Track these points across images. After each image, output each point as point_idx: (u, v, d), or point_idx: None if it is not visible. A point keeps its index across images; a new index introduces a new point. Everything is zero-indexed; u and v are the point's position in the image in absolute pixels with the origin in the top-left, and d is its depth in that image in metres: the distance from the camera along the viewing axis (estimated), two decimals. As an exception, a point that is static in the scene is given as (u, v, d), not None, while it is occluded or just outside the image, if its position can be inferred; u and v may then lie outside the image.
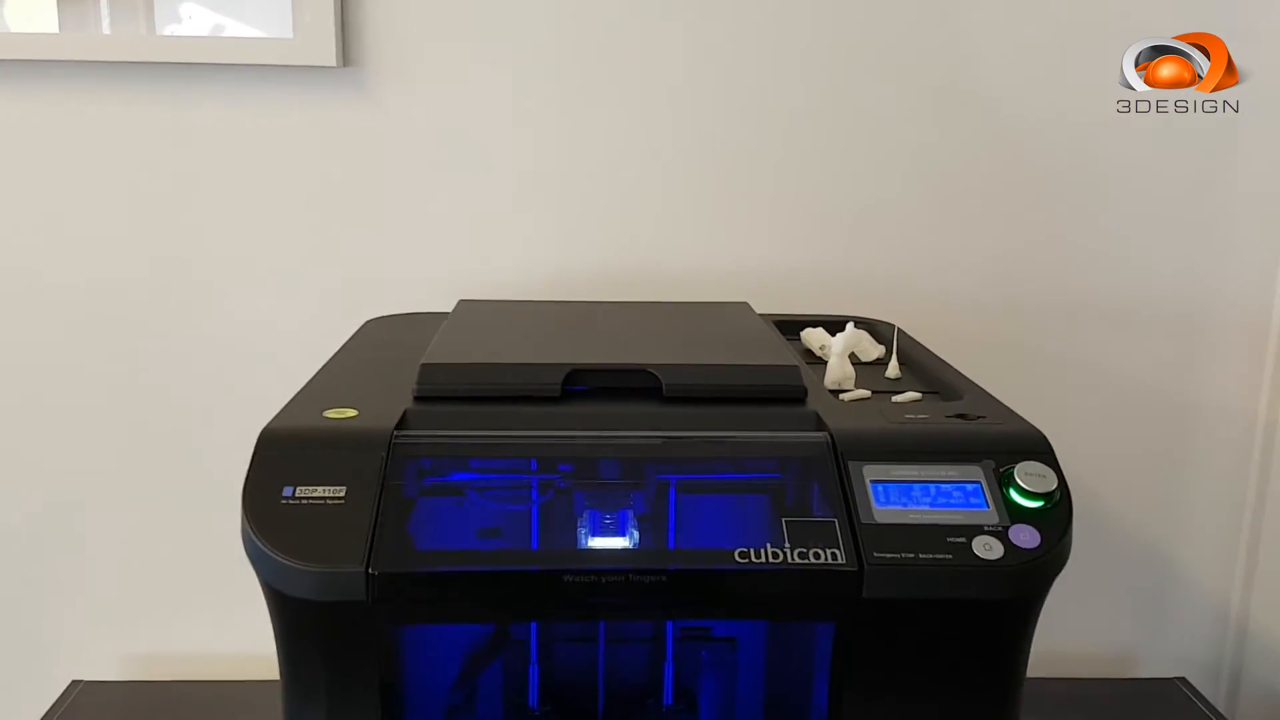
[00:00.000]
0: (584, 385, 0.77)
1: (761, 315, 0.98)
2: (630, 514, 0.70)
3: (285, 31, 1.09)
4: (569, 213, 1.17)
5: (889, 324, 1.02)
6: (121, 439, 1.19)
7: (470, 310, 0.97)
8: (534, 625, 0.79)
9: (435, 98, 1.13)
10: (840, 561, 0.65)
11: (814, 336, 0.96)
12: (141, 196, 1.14)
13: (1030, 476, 0.68)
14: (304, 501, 0.66)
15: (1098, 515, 1.25)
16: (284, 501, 0.66)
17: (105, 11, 1.13)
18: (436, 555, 0.68)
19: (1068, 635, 1.26)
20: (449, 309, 0.98)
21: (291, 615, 0.66)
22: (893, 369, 0.89)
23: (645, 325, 0.93)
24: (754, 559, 0.65)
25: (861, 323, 1.01)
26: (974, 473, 0.69)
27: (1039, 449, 0.71)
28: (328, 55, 1.09)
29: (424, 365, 0.77)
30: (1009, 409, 0.78)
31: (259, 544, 0.64)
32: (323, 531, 0.65)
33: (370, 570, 0.63)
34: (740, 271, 1.17)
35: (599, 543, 0.68)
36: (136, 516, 1.21)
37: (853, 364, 0.87)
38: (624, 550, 0.68)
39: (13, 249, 1.15)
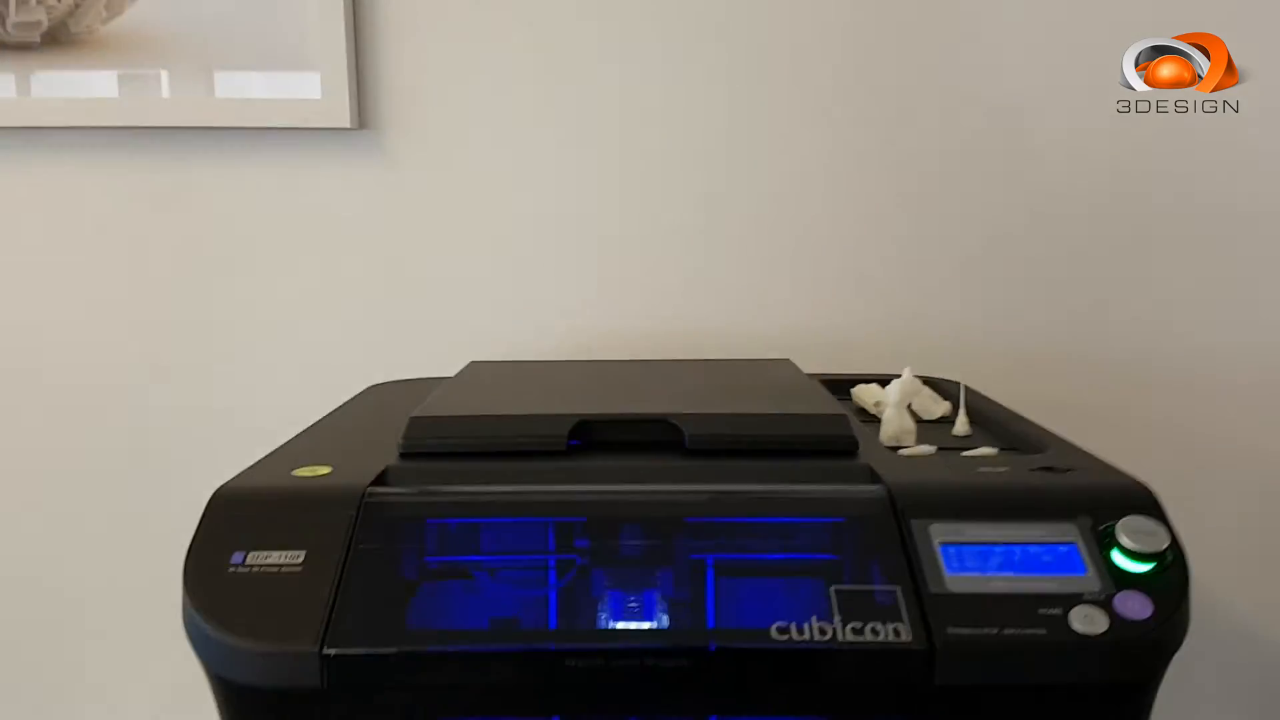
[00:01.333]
0: (595, 439, 0.66)
1: (808, 375, 0.86)
2: (653, 591, 0.58)
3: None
4: (597, 277, 1.08)
5: (954, 381, 0.90)
6: (117, 509, 1.12)
7: (478, 370, 0.87)
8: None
9: (452, 160, 1.07)
10: (904, 639, 0.52)
11: (867, 393, 0.85)
12: (144, 261, 1.08)
13: (1137, 534, 0.56)
14: (255, 569, 0.55)
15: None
16: (232, 570, 0.55)
17: (166, 79, 1.07)
18: (405, 633, 0.56)
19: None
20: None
21: (237, 703, 0.55)
22: (961, 425, 0.77)
23: (670, 379, 0.82)
24: (795, 636, 0.52)
25: (923, 380, 0.89)
26: (1068, 532, 0.57)
27: (1144, 503, 0.58)
28: (342, 117, 1.05)
29: (413, 418, 0.67)
30: (1102, 461, 0.65)
31: (196, 617, 0.53)
32: (274, 604, 0.54)
33: (325, 650, 0.52)
34: (784, 333, 1.07)
35: (606, 621, 0.56)
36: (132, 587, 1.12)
37: (913, 419, 0.75)
38: (629, 629, 0.55)
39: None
